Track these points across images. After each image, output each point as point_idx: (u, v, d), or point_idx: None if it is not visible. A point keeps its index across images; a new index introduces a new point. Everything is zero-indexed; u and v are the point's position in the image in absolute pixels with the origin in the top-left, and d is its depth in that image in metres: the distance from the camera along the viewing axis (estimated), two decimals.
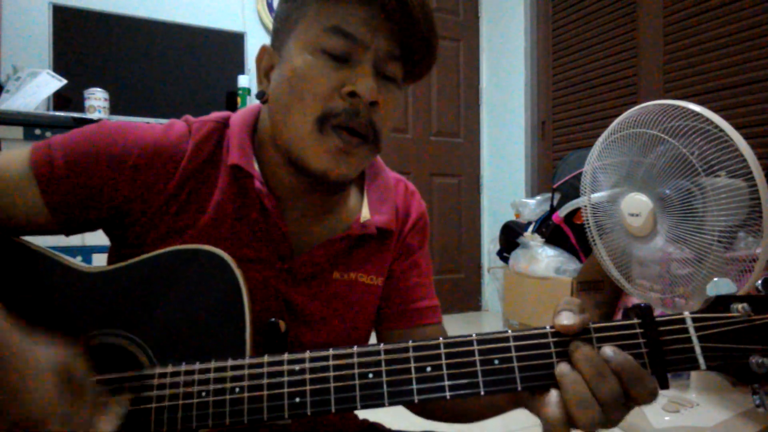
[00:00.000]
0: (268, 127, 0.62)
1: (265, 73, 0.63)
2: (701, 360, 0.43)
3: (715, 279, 0.46)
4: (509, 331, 0.46)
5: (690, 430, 1.37)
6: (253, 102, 2.69)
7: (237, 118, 0.65)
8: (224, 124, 0.65)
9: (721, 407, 1.41)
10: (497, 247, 2.64)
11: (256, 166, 0.62)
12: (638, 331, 0.44)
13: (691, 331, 0.44)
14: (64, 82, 2.17)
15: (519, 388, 0.44)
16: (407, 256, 0.72)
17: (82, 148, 0.57)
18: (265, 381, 0.47)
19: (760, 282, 0.45)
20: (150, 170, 0.58)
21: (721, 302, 0.44)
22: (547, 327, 0.45)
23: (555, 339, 0.44)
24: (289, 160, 0.60)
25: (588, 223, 1.64)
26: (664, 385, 0.43)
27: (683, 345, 0.44)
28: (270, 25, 2.84)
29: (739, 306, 0.44)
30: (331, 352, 0.47)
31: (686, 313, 0.45)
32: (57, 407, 0.42)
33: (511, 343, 0.45)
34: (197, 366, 0.48)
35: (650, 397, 0.43)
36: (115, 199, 0.58)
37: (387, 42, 0.57)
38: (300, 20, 0.58)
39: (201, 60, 2.59)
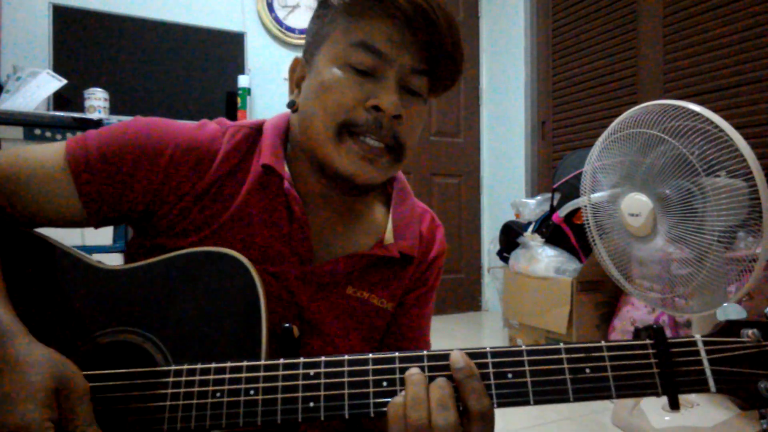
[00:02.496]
0: (297, 134, 0.64)
1: (296, 83, 0.65)
2: (711, 383, 0.44)
3: (725, 304, 0.47)
4: (523, 345, 0.47)
5: (690, 430, 1.37)
6: (252, 102, 2.69)
7: (270, 123, 0.67)
8: (258, 130, 0.66)
9: (721, 407, 1.41)
10: (497, 247, 2.64)
11: (286, 168, 0.63)
12: (650, 351, 0.45)
13: (703, 354, 0.45)
14: (64, 82, 2.17)
15: (531, 402, 0.45)
16: (419, 290, 0.72)
17: (116, 142, 0.58)
18: (280, 384, 0.47)
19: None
20: (182, 167, 0.59)
21: (732, 327, 0.46)
22: (561, 344, 0.46)
23: (569, 356, 0.46)
24: (318, 165, 0.61)
25: (588, 223, 1.64)
26: (675, 406, 0.45)
27: (694, 367, 0.45)
28: (270, 25, 2.84)
29: (750, 332, 0.45)
30: (346, 357, 0.47)
31: (698, 336, 0.46)
32: (47, 418, 0.41)
33: (525, 357, 0.46)
34: (213, 366, 0.48)
35: None
36: (147, 194, 0.59)
37: (412, 57, 0.58)
38: (329, 35, 0.60)
39: (201, 60, 2.59)
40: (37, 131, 2.00)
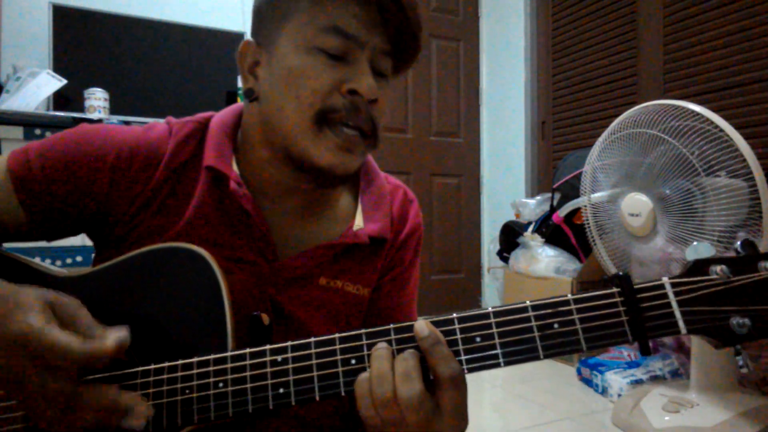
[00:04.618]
0: (256, 125, 0.61)
1: (249, 69, 0.62)
2: (681, 324, 0.43)
3: (695, 243, 0.46)
4: (490, 308, 0.46)
5: (690, 430, 1.37)
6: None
7: (217, 118, 0.65)
8: (205, 124, 0.64)
9: (721, 407, 1.41)
10: (497, 247, 2.64)
11: (234, 166, 0.61)
12: (618, 299, 0.45)
13: (671, 296, 0.44)
14: (64, 82, 2.17)
15: (502, 364, 0.45)
16: (396, 270, 0.70)
17: (58, 151, 0.57)
18: (248, 373, 0.47)
19: (738, 243, 0.45)
20: (128, 171, 0.58)
21: (700, 266, 0.44)
22: (527, 301, 0.46)
23: (536, 312, 0.46)
24: (289, 158, 0.59)
25: (588, 223, 1.64)
26: (646, 352, 0.44)
27: (663, 311, 0.44)
28: None
29: (718, 268, 0.44)
30: (312, 340, 0.47)
31: (665, 279, 0.45)
32: (52, 323, 0.42)
33: (492, 320, 0.46)
34: (180, 363, 0.48)
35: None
36: (93, 201, 0.57)
37: (381, 38, 0.57)
38: (291, 17, 0.57)
39: (201, 60, 2.59)
40: (37, 131, 2.00)
